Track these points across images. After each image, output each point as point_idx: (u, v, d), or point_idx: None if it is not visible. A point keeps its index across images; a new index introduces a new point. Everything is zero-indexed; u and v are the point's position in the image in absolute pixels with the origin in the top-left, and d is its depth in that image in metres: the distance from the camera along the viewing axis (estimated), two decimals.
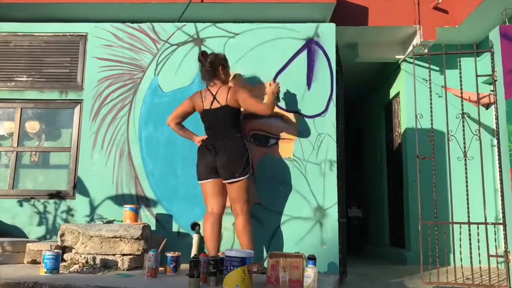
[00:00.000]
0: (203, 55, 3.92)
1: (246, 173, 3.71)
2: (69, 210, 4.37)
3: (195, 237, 4.06)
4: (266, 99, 4.06)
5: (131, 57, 4.58)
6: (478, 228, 4.07)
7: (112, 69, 4.57)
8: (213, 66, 3.87)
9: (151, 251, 3.36)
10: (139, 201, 4.31)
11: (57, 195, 4.44)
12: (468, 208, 4.17)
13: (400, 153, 6.33)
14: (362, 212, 8.06)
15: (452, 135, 4.22)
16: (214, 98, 3.81)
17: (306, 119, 4.34)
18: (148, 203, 4.31)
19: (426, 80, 4.86)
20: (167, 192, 4.31)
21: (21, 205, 4.40)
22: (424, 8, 5.47)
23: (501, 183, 4.11)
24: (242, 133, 3.89)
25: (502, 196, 4.09)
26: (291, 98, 4.38)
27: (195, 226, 4.19)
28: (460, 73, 4.36)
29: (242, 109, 3.95)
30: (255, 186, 4.23)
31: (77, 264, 3.60)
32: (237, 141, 3.74)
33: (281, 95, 4.28)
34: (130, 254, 3.69)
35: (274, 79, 4.38)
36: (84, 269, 3.49)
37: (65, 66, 4.68)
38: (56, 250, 3.43)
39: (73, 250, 3.74)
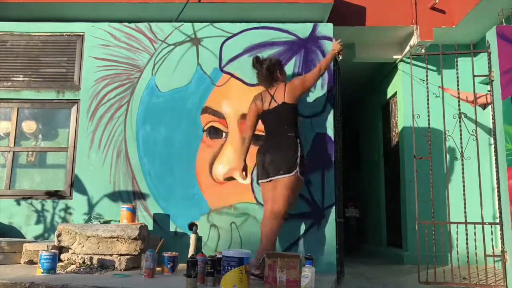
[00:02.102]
0: (258, 62, 3.93)
1: (291, 171, 3.61)
2: (66, 210, 4.36)
3: (192, 237, 4.06)
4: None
5: (128, 57, 4.57)
6: (475, 228, 4.08)
7: (109, 69, 4.56)
8: (271, 72, 3.88)
9: (148, 251, 3.35)
10: (136, 201, 4.30)
11: (54, 195, 4.42)
12: (465, 208, 4.17)
13: (397, 153, 6.34)
14: (359, 212, 8.06)
15: (449, 135, 4.23)
16: (272, 98, 3.83)
17: (303, 119, 4.34)
18: (145, 203, 4.30)
19: (423, 80, 4.86)
20: (164, 192, 4.31)
21: (18, 205, 4.39)
22: (421, 8, 5.48)
23: (498, 183, 4.12)
24: (297, 133, 3.82)
25: (499, 196, 4.10)
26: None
27: (192, 226, 4.20)
28: (457, 73, 4.37)
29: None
30: (251, 186, 4.23)
31: (74, 264, 3.59)
32: (289, 139, 3.72)
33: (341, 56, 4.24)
34: (127, 254, 3.68)
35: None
36: (81, 269, 3.48)
37: (62, 66, 4.67)
38: (53, 250, 3.42)
39: (70, 250, 3.73)
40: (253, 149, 4.25)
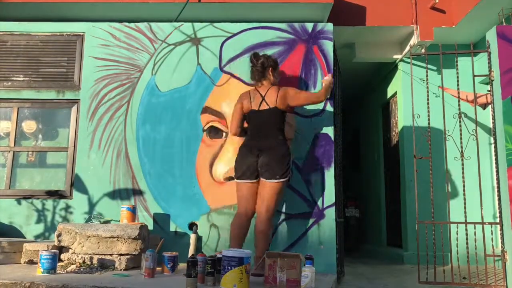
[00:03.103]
0: (255, 56, 3.94)
1: (286, 176, 3.69)
2: (66, 210, 4.36)
3: (192, 237, 4.06)
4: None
5: (128, 56, 4.57)
6: (475, 228, 4.08)
7: (109, 69, 4.57)
8: (263, 67, 3.89)
9: (149, 251, 3.35)
10: (136, 201, 4.31)
11: (54, 195, 4.42)
12: (465, 207, 4.18)
13: (397, 152, 6.34)
14: (359, 212, 8.06)
15: (449, 135, 4.23)
16: (263, 99, 3.81)
17: (303, 118, 4.34)
18: (145, 203, 4.30)
19: (423, 80, 4.87)
20: (165, 192, 4.31)
21: (18, 205, 4.38)
22: (421, 8, 5.48)
23: (498, 183, 4.12)
24: (286, 137, 3.86)
25: (499, 196, 4.10)
26: None
27: (192, 225, 4.20)
28: (457, 73, 4.37)
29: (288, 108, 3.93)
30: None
31: (74, 264, 3.59)
32: (282, 143, 3.75)
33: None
34: (127, 254, 3.68)
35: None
36: (81, 269, 3.48)
37: (62, 66, 4.66)
38: (53, 250, 3.42)
39: (70, 250, 3.73)
40: None
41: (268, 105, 3.79)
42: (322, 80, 4.19)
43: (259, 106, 3.82)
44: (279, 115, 3.80)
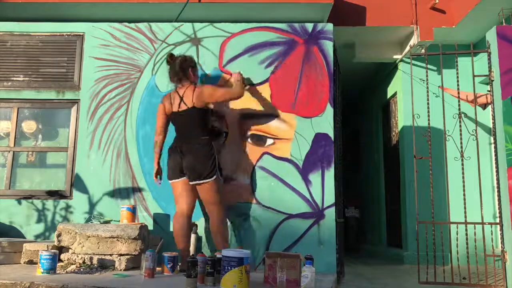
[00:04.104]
0: (171, 58, 3.97)
1: (213, 175, 3.72)
2: (66, 210, 4.36)
3: (192, 237, 4.05)
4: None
5: (128, 57, 4.57)
6: (475, 228, 4.08)
7: (109, 69, 4.56)
8: (182, 68, 3.89)
9: (148, 251, 3.35)
10: (136, 201, 4.30)
11: (54, 195, 4.42)
12: (465, 208, 4.18)
13: (397, 153, 6.34)
14: (359, 212, 8.07)
15: (449, 135, 4.23)
16: (181, 100, 3.83)
17: (303, 119, 4.34)
18: (145, 203, 4.30)
19: (423, 80, 4.87)
20: (164, 191, 4.30)
21: (18, 205, 4.38)
22: (421, 8, 5.48)
23: (498, 184, 4.12)
24: (211, 135, 3.89)
25: (499, 196, 4.10)
26: (288, 98, 4.38)
27: (192, 226, 4.19)
28: (457, 73, 4.37)
29: (212, 106, 3.99)
30: (251, 186, 4.23)
31: (74, 264, 3.59)
32: (203, 143, 3.76)
33: (247, 80, 4.29)
34: (127, 254, 3.68)
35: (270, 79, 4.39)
36: (81, 269, 3.48)
37: (62, 66, 4.66)
38: (53, 250, 3.42)
39: (70, 250, 3.73)
40: (251, 148, 4.26)
41: (186, 105, 3.80)
42: (231, 81, 4.23)
43: (179, 107, 3.84)
44: (198, 114, 3.80)
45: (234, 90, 3.95)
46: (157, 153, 4.00)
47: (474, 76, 4.31)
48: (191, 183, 3.75)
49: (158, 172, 4.01)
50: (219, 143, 4.17)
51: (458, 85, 4.36)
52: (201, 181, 3.71)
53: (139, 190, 4.33)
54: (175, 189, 3.86)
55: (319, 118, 4.34)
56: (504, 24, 4.73)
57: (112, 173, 4.38)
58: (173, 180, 3.84)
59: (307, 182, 4.23)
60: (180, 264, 3.64)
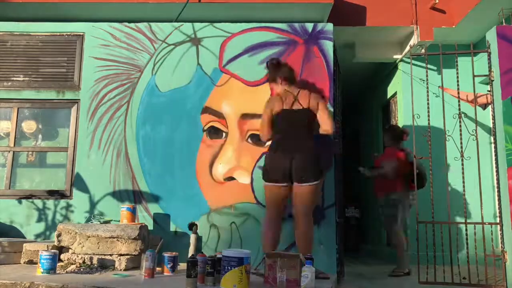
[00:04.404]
0: (279, 64, 3.88)
1: (321, 177, 3.60)
2: (66, 210, 4.36)
3: (192, 237, 4.06)
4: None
5: (128, 56, 4.57)
6: (475, 228, 4.08)
7: (109, 69, 4.57)
8: (291, 75, 3.82)
9: (148, 251, 3.35)
10: (136, 201, 4.31)
11: (54, 195, 4.42)
12: (465, 208, 4.18)
13: None
14: (359, 212, 8.06)
15: (449, 135, 4.23)
16: (296, 99, 3.71)
17: None
18: (145, 203, 4.30)
19: (423, 80, 4.86)
20: (164, 192, 4.31)
21: (18, 205, 4.38)
22: (421, 8, 5.48)
23: (498, 184, 4.12)
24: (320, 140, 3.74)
25: (499, 196, 4.10)
26: None
27: (192, 226, 4.20)
28: (457, 73, 4.36)
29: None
30: (251, 186, 4.24)
31: (74, 264, 3.59)
32: (313, 144, 3.64)
33: None
34: (127, 254, 3.68)
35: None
36: (81, 269, 3.48)
37: (62, 66, 4.67)
38: (53, 250, 3.42)
39: (70, 250, 3.73)
40: (251, 148, 4.27)
41: (301, 105, 3.69)
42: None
43: (292, 105, 3.70)
44: (312, 116, 3.69)
45: (328, 127, 3.67)
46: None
47: (474, 76, 4.31)
48: (301, 184, 3.53)
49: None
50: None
51: (458, 85, 4.35)
52: (313, 183, 3.53)
53: (139, 190, 4.33)
54: (272, 192, 3.62)
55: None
56: (504, 24, 4.72)
57: (112, 173, 4.38)
58: (273, 184, 3.61)
59: None
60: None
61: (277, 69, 3.84)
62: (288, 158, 3.54)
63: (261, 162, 4.27)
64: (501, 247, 4.01)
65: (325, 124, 3.67)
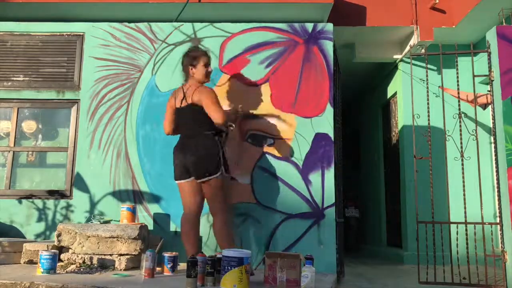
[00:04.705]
0: (186, 54, 3.84)
1: (218, 171, 3.56)
2: (66, 210, 4.36)
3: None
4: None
5: (128, 56, 4.57)
6: (475, 228, 4.08)
7: (109, 69, 4.57)
8: (184, 67, 3.80)
9: (148, 251, 3.35)
10: (136, 201, 4.31)
11: (54, 195, 4.42)
12: (465, 207, 4.18)
13: (397, 153, 6.34)
14: (359, 212, 8.07)
15: (449, 135, 4.23)
16: (184, 96, 3.72)
17: (303, 119, 4.34)
18: (145, 203, 4.30)
19: (423, 80, 4.87)
20: (165, 192, 4.31)
21: (18, 205, 4.38)
22: (421, 8, 5.48)
23: (498, 184, 4.12)
24: (215, 131, 3.67)
25: (499, 196, 4.10)
26: (288, 98, 4.38)
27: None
28: (457, 73, 4.37)
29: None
30: (251, 186, 4.23)
31: (74, 264, 3.59)
32: (207, 139, 3.61)
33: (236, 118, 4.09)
34: (127, 254, 3.68)
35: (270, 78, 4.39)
36: (81, 269, 3.48)
37: (62, 66, 4.66)
38: (53, 250, 3.42)
39: (70, 250, 3.73)
40: (251, 148, 4.25)
41: (187, 101, 3.68)
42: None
43: (181, 103, 3.72)
44: (198, 110, 3.63)
45: (219, 116, 3.56)
46: None
47: (474, 76, 4.31)
48: (198, 181, 3.60)
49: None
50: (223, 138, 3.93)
51: (458, 85, 4.36)
52: (207, 178, 3.55)
53: (139, 190, 4.33)
54: (182, 190, 3.70)
55: (319, 118, 4.35)
56: (504, 24, 4.72)
57: (112, 173, 4.38)
58: (180, 181, 3.68)
59: (307, 182, 4.24)
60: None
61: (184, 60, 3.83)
62: (183, 154, 3.62)
63: (262, 162, 4.28)
64: (501, 247, 4.01)
65: (214, 118, 3.59)
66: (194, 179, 3.63)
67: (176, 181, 3.71)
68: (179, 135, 3.78)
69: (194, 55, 3.78)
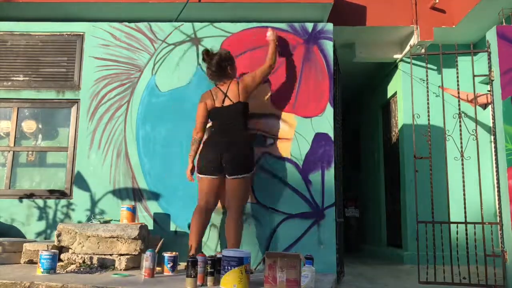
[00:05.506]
0: (207, 55, 3.97)
1: (251, 170, 3.78)
2: (66, 210, 4.36)
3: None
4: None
5: (128, 56, 4.57)
6: (475, 228, 4.08)
7: (109, 69, 4.57)
8: (221, 68, 3.93)
9: (148, 251, 3.35)
10: (136, 201, 4.30)
11: (54, 195, 4.42)
12: (465, 207, 4.18)
13: (397, 152, 6.34)
14: (359, 212, 8.07)
15: (449, 135, 4.23)
16: (226, 95, 3.87)
17: (303, 118, 4.34)
18: (145, 203, 4.30)
19: (423, 80, 4.87)
20: (165, 191, 4.30)
21: (18, 204, 4.38)
22: (422, 8, 5.49)
23: (498, 183, 4.12)
24: (249, 132, 3.95)
25: (499, 196, 4.10)
26: (288, 98, 4.38)
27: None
28: (457, 73, 4.37)
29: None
30: (251, 187, 4.23)
31: (74, 264, 3.60)
32: (246, 138, 3.85)
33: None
34: (127, 254, 3.68)
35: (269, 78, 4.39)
36: (81, 269, 3.48)
37: (62, 66, 4.66)
38: (53, 250, 3.42)
39: (70, 250, 3.73)
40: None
41: (231, 100, 3.85)
42: (268, 37, 4.19)
43: (223, 103, 3.87)
44: (242, 109, 3.86)
45: (268, 61, 3.99)
46: (195, 151, 3.93)
47: (474, 76, 4.31)
48: (231, 177, 3.70)
49: (193, 170, 3.96)
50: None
51: (458, 85, 4.36)
52: (240, 176, 3.69)
53: (139, 190, 4.33)
54: (204, 183, 3.78)
55: (319, 118, 4.35)
56: (504, 24, 4.73)
57: (112, 173, 4.38)
58: (207, 176, 3.76)
59: (307, 182, 4.23)
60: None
61: (206, 62, 3.99)
62: (218, 151, 3.72)
63: (262, 162, 4.27)
64: (501, 247, 4.01)
65: (266, 70, 4.00)
66: (220, 179, 3.75)
67: (202, 175, 3.78)
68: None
69: (229, 56, 3.99)
